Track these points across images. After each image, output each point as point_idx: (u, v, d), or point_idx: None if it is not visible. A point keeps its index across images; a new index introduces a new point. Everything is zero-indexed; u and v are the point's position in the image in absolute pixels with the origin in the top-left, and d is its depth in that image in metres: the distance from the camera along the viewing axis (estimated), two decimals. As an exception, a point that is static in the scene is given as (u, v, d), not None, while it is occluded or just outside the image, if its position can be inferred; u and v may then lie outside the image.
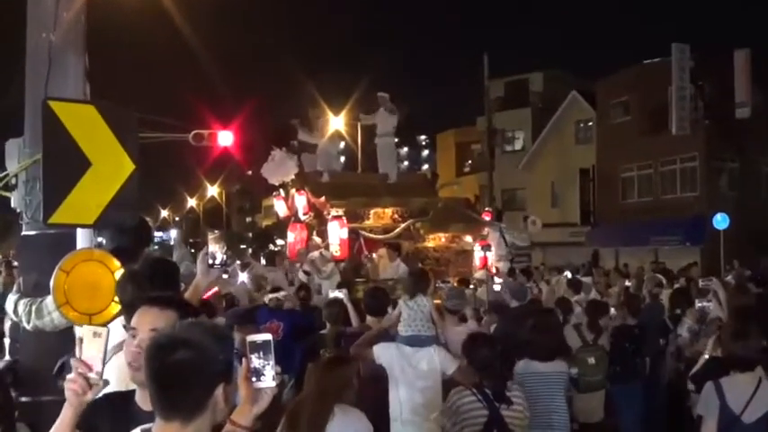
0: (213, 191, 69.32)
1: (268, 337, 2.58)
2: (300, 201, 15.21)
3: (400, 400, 6.09)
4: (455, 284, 11.73)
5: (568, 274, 16.46)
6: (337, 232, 14.08)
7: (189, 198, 74.91)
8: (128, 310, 3.57)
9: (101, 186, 4.40)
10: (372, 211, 15.23)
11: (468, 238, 15.87)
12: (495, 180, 34.16)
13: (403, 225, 15.08)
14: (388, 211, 15.39)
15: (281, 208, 16.54)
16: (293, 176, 15.76)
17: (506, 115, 40.76)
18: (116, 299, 4.29)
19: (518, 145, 43.72)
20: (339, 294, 8.79)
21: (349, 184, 15.77)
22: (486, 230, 15.97)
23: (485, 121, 34.79)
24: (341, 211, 14.33)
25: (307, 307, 10.31)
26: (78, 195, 4.34)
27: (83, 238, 4.46)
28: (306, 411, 4.65)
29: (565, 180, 39.17)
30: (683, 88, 30.92)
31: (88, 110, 4.45)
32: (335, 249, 13.99)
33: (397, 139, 17.19)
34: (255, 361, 2.56)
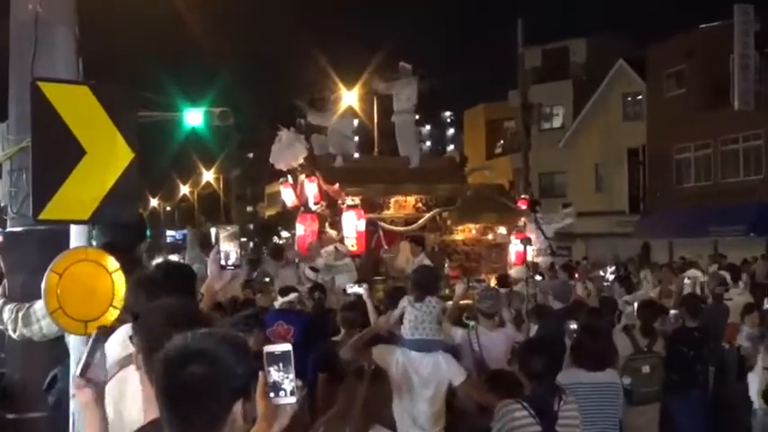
0: (209, 176, 69.65)
1: (287, 347, 2.62)
2: (311, 188, 15.27)
3: (402, 409, 6.16)
4: (491, 283, 11.77)
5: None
6: (353, 224, 14.15)
7: (181, 185, 75.29)
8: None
9: (97, 177, 4.43)
10: (393, 200, 15.29)
11: (502, 230, 15.89)
12: (530, 163, 34.15)
13: (427, 215, 15.12)
14: (411, 199, 15.44)
15: (288, 196, 16.58)
16: (302, 161, 15.78)
17: (544, 88, 40.68)
18: (114, 303, 4.35)
19: (557, 122, 43.65)
20: (359, 290, 8.83)
21: (366, 169, 15.82)
22: (522, 221, 15.98)
23: (519, 95, 34.73)
24: (357, 200, 14.39)
25: (320, 309, 10.38)
26: (72, 187, 4.37)
27: (77, 235, 4.49)
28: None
29: (611, 162, 39.08)
30: (746, 56, 30.68)
31: (82, 91, 4.48)
32: (351, 243, 14.06)
33: (417, 116, 17.18)
34: (274, 374, 2.59)
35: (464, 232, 15.75)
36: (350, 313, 8.25)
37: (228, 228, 4.27)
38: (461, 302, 9.13)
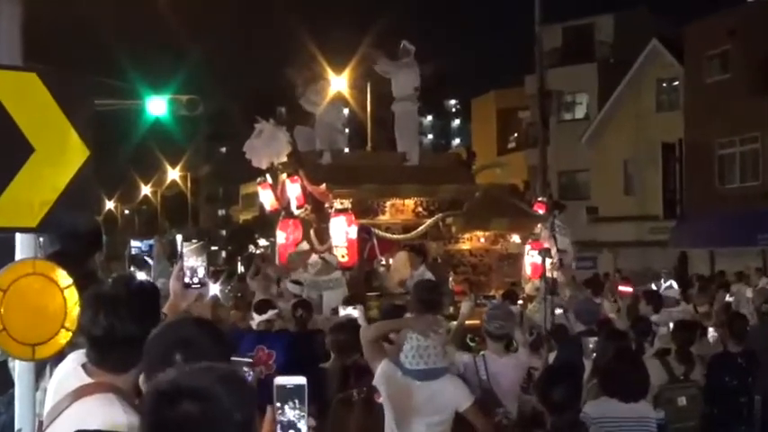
0: (174, 174, 69.63)
1: (302, 381, 2.65)
2: (293, 189, 15.31)
3: None
4: (500, 300, 11.80)
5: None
6: (343, 231, 14.21)
7: (142, 185, 75.25)
8: (97, 344, 3.65)
9: (46, 178, 4.46)
10: (389, 203, 15.36)
11: (516, 239, 15.95)
12: (549, 159, 34.17)
13: (429, 221, 15.18)
14: (410, 202, 15.50)
15: (267, 198, 16.61)
16: (285, 158, 15.79)
17: (564, 72, 40.78)
18: (66, 324, 4.39)
19: (580, 112, 43.75)
20: (353, 313, 8.87)
21: (358, 167, 15.85)
22: (539, 228, 16.04)
23: (535, 80, 34.74)
24: (347, 203, 14.44)
25: (305, 329, 10.41)
26: (17, 190, 4.40)
27: (23, 245, 4.52)
28: None
29: (642, 159, 39.12)
30: (800, 35, 30.81)
31: (29, 79, 4.50)
32: (341, 253, 14.10)
33: (418, 104, 17.20)
34: (288, 412, 2.63)
35: (471, 241, 15.82)
36: (341, 335, 8.23)
37: (195, 241, 4.30)
38: (468, 323, 9.17)
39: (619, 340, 7.62)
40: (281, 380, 2.66)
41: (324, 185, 14.83)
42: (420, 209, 15.54)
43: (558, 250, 15.84)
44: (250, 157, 16.13)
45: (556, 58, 40.94)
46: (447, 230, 15.45)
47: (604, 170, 41.04)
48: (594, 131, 41.96)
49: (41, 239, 4.89)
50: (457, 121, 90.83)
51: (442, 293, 7.97)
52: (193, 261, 4.28)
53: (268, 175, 16.50)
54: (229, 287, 16.21)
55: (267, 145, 15.73)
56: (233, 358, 2.82)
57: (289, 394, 2.63)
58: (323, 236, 14.85)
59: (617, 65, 41.29)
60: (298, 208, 15.33)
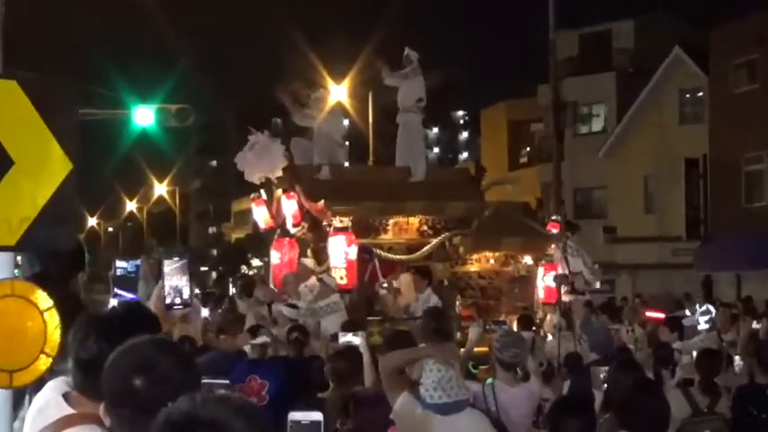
0: (162, 189, 69.71)
1: (318, 417, 2.68)
2: (289, 206, 15.29)
3: None
4: (513, 326, 11.80)
5: None
6: (342, 251, 14.19)
7: (127, 200, 75.36)
8: (85, 370, 3.65)
9: (26, 193, 4.47)
10: (392, 221, 15.34)
11: (528, 260, 15.95)
12: (564, 175, 34.21)
13: (435, 241, 15.18)
14: (414, 220, 15.49)
15: (261, 216, 16.58)
16: (280, 172, 15.78)
17: (581, 82, 40.88)
18: (46, 349, 4.39)
19: (597, 125, 43.80)
20: (354, 340, 8.87)
21: (359, 183, 15.84)
22: (552, 249, 16.05)
23: (549, 90, 34.83)
24: (347, 222, 14.44)
25: (301, 355, 10.41)
26: (-5, 206, 4.42)
27: (1, 265, 4.54)
28: None
29: (664, 175, 39.15)
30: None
31: (8, 86, 4.51)
32: (340, 275, 14.09)
33: (423, 116, 17.18)
34: None
35: (480, 262, 15.82)
36: (341, 363, 8.20)
37: (177, 258, 4.29)
38: (476, 350, 9.18)
39: (631, 371, 7.60)
40: (296, 415, 2.69)
41: (322, 202, 14.83)
42: (425, 227, 15.52)
43: (571, 273, 15.84)
44: (242, 170, 16.13)
45: (571, 66, 41.05)
46: (454, 251, 15.43)
47: (623, 187, 41.03)
48: (612, 145, 41.97)
49: (20, 259, 4.89)
50: (465, 134, 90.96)
51: (450, 320, 8.01)
52: (176, 280, 4.27)
53: (262, 191, 16.46)
54: (220, 311, 16.20)
55: (261, 158, 15.69)
56: (206, 380, 2.81)
57: (304, 431, 2.65)
58: (321, 256, 14.83)
59: (637, 74, 41.33)
60: (294, 226, 15.30)
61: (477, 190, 17.05)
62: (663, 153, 39.01)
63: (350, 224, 14.40)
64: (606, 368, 7.81)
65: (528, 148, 49.04)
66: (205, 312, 17.57)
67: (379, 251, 14.92)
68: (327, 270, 14.34)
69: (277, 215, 16.01)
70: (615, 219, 41.03)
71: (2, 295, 4.37)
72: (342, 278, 14.04)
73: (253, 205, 16.77)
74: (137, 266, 9.29)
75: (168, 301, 4.29)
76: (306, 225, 15.35)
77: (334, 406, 7.79)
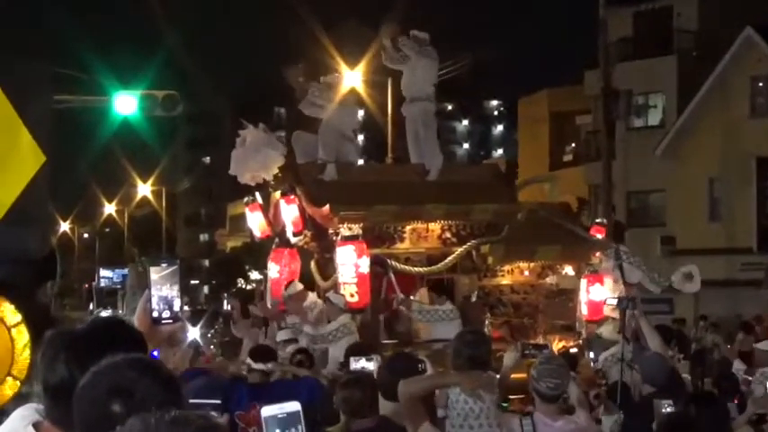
0: (146, 189, 69.80)
1: (296, 407, 2.68)
2: (289, 212, 15.17)
3: None
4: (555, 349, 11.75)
5: None
6: (352, 263, 14.04)
7: (106, 202, 75.53)
8: (55, 396, 3.64)
9: (-8, 190, 4.51)
10: (409, 228, 15.16)
11: (569, 270, 15.87)
12: (615, 176, 34.15)
13: (459, 250, 15.07)
14: (435, 226, 15.29)
15: (256, 223, 16.42)
16: (276, 171, 15.71)
17: (636, 67, 40.75)
18: (14, 371, 4.41)
19: (654, 117, 43.64)
20: (369, 365, 8.86)
21: (370, 184, 15.77)
22: (597, 256, 15.99)
23: (599, 76, 34.80)
24: (357, 229, 14.31)
25: (307, 382, 10.45)
26: (-45, 204, 4.46)
27: (-37, 272, 4.58)
28: None
29: (732, 177, 39.04)
30: None
31: (-28, 67, 4.58)
32: (350, 291, 13.98)
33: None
34: None
35: (512, 274, 15.72)
36: (354, 392, 8.20)
37: (165, 265, 4.24)
38: (513, 376, 9.18)
39: (707, 406, 7.60)
40: (269, 410, 2.68)
41: (327, 207, 14.74)
42: (448, 234, 15.34)
43: (626, 284, 15.77)
44: (234, 172, 16.11)
45: (625, 49, 40.96)
46: (482, 261, 15.30)
47: (684, 191, 40.86)
48: (672, 142, 41.79)
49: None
50: (500, 128, 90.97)
51: (489, 348, 8.00)
52: (166, 290, 4.21)
53: (257, 194, 16.36)
54: (212, 331, 16.23)
55: (252, 156, 15.60)
56: (194, 401, 2.80)
57: (282, 424, 2.65)
58: (327, 269, 14.75)
59: (701, 59, 41.15)
60: (295, 235, 15.16)
61: (509, 190, 16.85)
62: (731, 151, 38.88)
63: (360, 232, 14.26)
64: (669, 402, 7.78)
65: (573, 144, 48.92)
66: (195, 333, 17.59)
67: (394, 263, 14.81)
68: (335, 286, 14.29)
69: (275, 222, 15.89)
70: (674, 227, 40.88)
71: (-36, 307, 4.40)
72: (352, 295, 13.92)
73: (246, 210, 16.65)
74: (123, 276, 9.27)
75: (156, 314, 4.17)
76: (309, 234, 15.30)
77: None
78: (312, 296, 14.28)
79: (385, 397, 7.81)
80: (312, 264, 15.29)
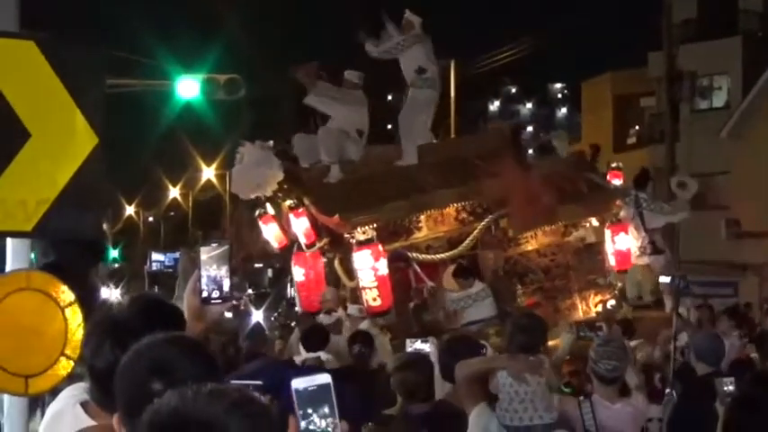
0: (210, 173, 69.89)
1: (326, 379, 2.65)
2: (300, 225, 15.08)
3: None
4: (608, 328, 11.58)
5: None
6: (369, 267, 13.82)
7: (171, 186, 75.78)
8: (100, 379, 3.64)
9: (44, 172, 4.51)
10: (424, 216, 14.94)
11: (594, 222, 15.63)
12: (679, 158, 33.88)
13: (479, 226, 14.84)
14: (450, 209, 15.09)
15: (271, 234, 16.35)
16: (277, 186, 15.52)
17: (700, 49, 40.32)
18: (67, 351, 4.41)
19: (719, 99, 43.20)
20: (424, 347, 8.85)
21: (377, 178, 15.25)
22: (618, 204, 15.70)
23: (663, 59, 34.52)
24: (371, 232, 14.05)
25: (365, 368, 10.45)
26: (8, 186, 4.44)
27: (15, 253, 4.57)
28: None
29: (800, 159, 38.61)
30: None
31: (25, 48, 4.55)
32: (371, 296, 13.74)
33: (431, 89, 16.35)
34: (315, 420, 2.65)
35: (535, 238, 15.43)
36: (411, 375, 8.19)
37: (215, 245, 4.23)
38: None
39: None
40: (299, 382, 2.64)
41: (337, 217, 14.47)
42: (464, 215, 15.10)
43: (647, 231, 15.57)
44: (234, 189, 16.09)
45: (689, 30, 40.51)
46: (503, 235, 15.15)
47: (749, 173, 40.36)
48: (737, 124, 41.34)
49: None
50: (563, 110, 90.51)
51: (544, 333, 7.97)
52: (215, 270, 4.21)
53: (268, 205, 16.30)
54: (276, 314, 16.26)
55: (250, 174, 15.47)
56: (234, 382, 2.77)
57: (312, 398, 2.62)
58: (352, 267, 14.44)
59: (767, 40, 40.71)
60: (308, 246, 15.10)
61: (517, 154, 16.44)
62: (799, 133, 38.46)
63: (375, 234, 14.01)
64: (731, 379, 7.68)
65: (637, 127, 48.53)
66: (258, 316, 17.65)
67: (415, 254, 14.64)
68: (355, 292, 14.13)
69: (289, 230, 15.80)
70: (740, 210, 40.41)
71: (16, 288, 4.40)
72: (375, 299, 13.70)
73: (260, 223, 16.50)
74: (175, 260, 9.26)
75: (205, 294, 4.18)
76: (325, 240, 15.20)
77: (402, 423, 7.82)
78: (338, 310, 14.06)
79: (445, 378, 7.84)
80: (336, 264, 15.12)
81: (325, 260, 15.59)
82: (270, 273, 46.54)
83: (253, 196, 15.99)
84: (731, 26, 42.34)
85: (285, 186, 15.48)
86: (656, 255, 16.05)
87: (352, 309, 13.82)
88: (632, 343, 12.27)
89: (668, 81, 33.70)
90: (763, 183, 39.91)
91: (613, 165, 17.33)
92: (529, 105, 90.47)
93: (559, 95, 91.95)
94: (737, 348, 12.95)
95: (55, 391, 4.11)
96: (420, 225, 14.95)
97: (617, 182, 16.33)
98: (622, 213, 15.57)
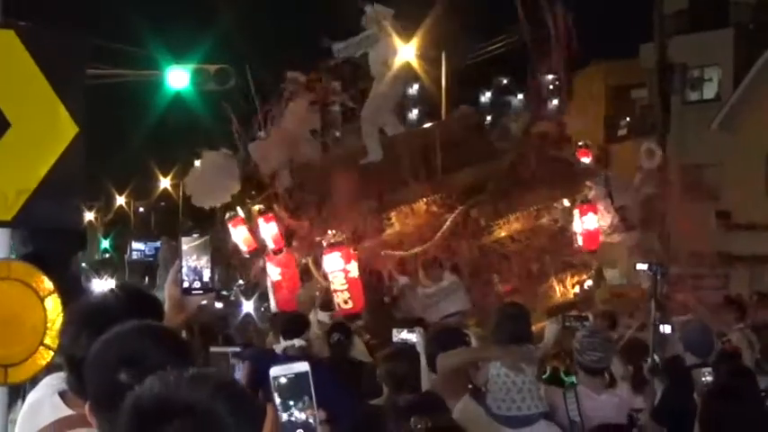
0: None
1: (304, 367, 2.64)
2: (268, 231, 14.86)
3: None
4: (595, 318, 11.58)
5: None
6: (340, 270, 13.56)
7: (161, 176, 75.65)
8: (78, 369, 3.63)
9: (25, 161, 4.51)
10: (393, 214, 14.92)
11: (566, 202, 15.52)
12: (670, 150, 33.90)
13: (450, 218, 14.70)
14: (420, 204, 14.99)
15: (241, 237, 15.92)
16: (231, 194, 15.59)
17: (691, 41, 40.35)
18: (47, 341, 4.42)
19: (710, 91, 43.24)
20: (411, 337, 8.85)
21: (343, 180, 14.91)
22: (588, 185, 15.70)
23: (654, 50, 34.54)
24: (341, 234, 13.88)
25: (343, 357, 10.49)
26: (-12, 175, 4.46)
27: (-5, 243, 4.58)
28: None
29: (790, 150, 38.69)
30: None
31: (4, 37, 4.55)
32: (343, 299, 13.48)
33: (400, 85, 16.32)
34: (293, 409, 2.62)
35: (508, 224, 15.25)
36: (398, 365, 8.18)
37: (196, 235, 4.24)
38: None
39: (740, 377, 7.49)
40: (277, 370, 2.63)
41: (307, 223, 14.53)
42: (434, 208, 14.96)
43: (616, 209, 15.60)
44: (194, 200, 16.05)
45: (680, 22, 40.52)
46: (475, 224, 14.99)
47: (740, 165, 40.43)
48: (728, 116, 41.38)
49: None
50: (554, 102, 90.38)
51: (530, 322, 7.99)
52: (194, 260, 4.22)
53: (239, 209, 16.06)
54: (265, 305, 16.21)
55: (207, 184, 15.59)
56: (214, 349, 2.75)
57: (290, 387, 2.61)
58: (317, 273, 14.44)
59: (758, 31, 40.72)
60: (275, 252, 14.83)
61: (483, 139, 16.55)
62: (788, 125, 38.52)
63: (344, 236, 13.83)
64: (710, 369, 7.72)
65: (628, 119, 48.58)
66: (248, 307, 17.58)
67: (389, 252, 14.54)
68: (326, 293, 13.97)
69: (258, 234, 15.66)
70: (730, 202, 40.42)
71: (-2, 278, 4.40)
72: (346, 302, 13.41)
73: (229, 226, 16.36)
74: (155, 249, 9.24)
75: (186, 284, 4.21)
76: (295, 243, 15.11)
77: (389, 414, 7.81)
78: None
79: (432, 369, 7.82)
80: (309, 260, 14.97)
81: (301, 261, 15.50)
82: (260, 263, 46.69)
83: (207, 206, 16.12)
84: (722, 18, 42.36)
85: (253, 193, 15.59)
86: (628, 232, 16.06)
87: (323, 315, 13.58)
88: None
89: (659, 73, 33.70)
90: (754, 174, 40.04)
91: (580, 143, 17.25)
92: (520, 96, 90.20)
93: (550, 87, 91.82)
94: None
95: (35, 381, 4.10)
96: (391, 222, 14.91)
97: (585, 160, 16.27)
98: (592, 194, 15.45)
